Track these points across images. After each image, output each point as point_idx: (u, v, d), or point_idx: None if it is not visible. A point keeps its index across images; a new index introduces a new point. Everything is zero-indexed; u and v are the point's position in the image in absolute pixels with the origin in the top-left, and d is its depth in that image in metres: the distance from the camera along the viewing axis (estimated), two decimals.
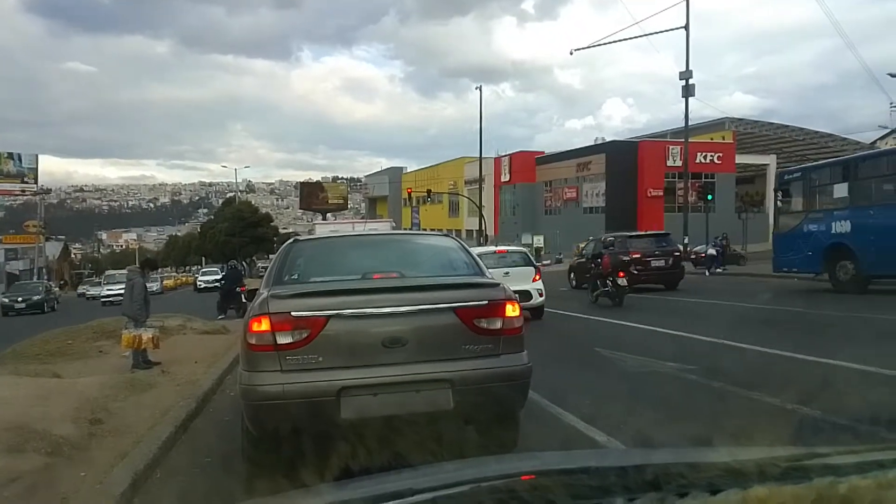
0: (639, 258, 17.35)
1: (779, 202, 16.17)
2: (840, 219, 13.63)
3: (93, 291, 42.72)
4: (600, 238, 19.91)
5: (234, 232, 61.62)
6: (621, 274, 13.89)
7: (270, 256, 38.82)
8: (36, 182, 56.66)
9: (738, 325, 9.55)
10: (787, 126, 48.29)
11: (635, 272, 16.10)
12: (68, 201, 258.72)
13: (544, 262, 35.11)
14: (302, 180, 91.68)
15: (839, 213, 13.72)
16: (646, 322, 10.92)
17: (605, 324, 11.31)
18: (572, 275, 20.84)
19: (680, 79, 27.73)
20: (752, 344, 7.94)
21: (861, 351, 6.61)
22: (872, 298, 12.38)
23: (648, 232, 21.93)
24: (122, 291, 9.36)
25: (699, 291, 16.71)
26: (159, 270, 71.47)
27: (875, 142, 48.60)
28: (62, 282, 66.92)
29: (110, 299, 28.73)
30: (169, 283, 57.53)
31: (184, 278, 67.70)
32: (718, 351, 7.83)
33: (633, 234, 20.81)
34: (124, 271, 12.22)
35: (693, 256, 27.35)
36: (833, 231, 13.75)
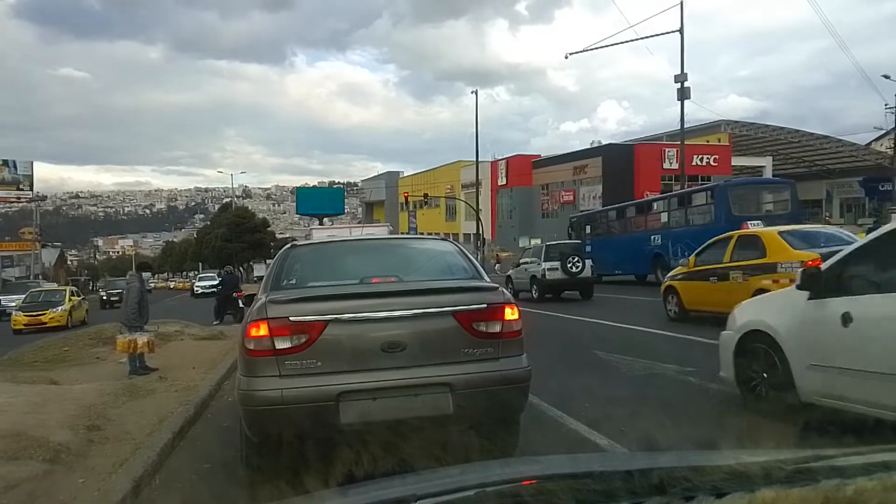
0: None
1: (569, 233, 27.34)
2: (587, 244, 23.79)
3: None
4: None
5: (231, 237, 61.45)
6: None
7: (268, 262, 38.64)
8: (31, 189, 56.49)
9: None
10: (783, 128, 48.33)
11: None
12: (64, 208, 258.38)
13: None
14: (298, 185, 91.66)
15: (587, 241, 24.29)
16: None
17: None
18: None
19: (675, 82, 27.62)
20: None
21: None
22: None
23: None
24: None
25: None
26: (157, 276, 71.72)
27: (870, 143, 48.75)
28: None
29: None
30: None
31: (182, 284, 67.28)
32: None
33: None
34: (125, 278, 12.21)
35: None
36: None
